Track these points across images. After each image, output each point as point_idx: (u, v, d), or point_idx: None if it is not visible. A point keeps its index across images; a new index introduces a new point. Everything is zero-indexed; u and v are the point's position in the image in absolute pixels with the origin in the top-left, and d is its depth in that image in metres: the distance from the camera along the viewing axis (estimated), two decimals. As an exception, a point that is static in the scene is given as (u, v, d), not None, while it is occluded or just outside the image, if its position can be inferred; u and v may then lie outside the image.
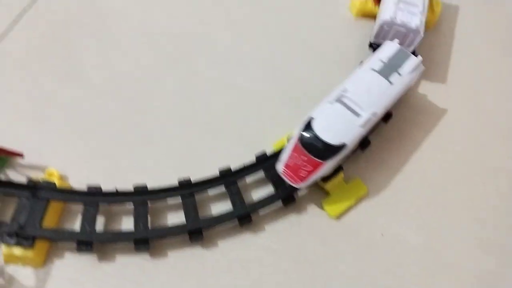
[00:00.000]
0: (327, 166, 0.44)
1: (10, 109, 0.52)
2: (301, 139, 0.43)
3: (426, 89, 0.58)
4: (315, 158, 0.43)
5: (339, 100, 0.45)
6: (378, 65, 0.49)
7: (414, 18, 0.53)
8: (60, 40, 0.57)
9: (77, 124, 0.52)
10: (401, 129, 0.54)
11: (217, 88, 0.56)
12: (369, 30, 0.61)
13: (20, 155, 0.47)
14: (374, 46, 0.56)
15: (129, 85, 0.55)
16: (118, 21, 0.60)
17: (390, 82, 0.48)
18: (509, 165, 0.53)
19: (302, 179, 0.44)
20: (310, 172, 0.43)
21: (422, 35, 0.53)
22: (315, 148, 0.43)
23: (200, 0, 0.63)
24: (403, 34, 0.54)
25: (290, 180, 0.44)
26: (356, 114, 0.45)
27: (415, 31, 0.53)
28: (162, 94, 0.55)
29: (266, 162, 0.48)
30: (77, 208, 0.45)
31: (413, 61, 0.50)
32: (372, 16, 0.62)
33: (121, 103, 0.53)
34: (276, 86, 0.56)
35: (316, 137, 0.43)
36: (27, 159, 0.48)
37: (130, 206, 0.45)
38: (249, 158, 0.48)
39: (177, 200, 0.46)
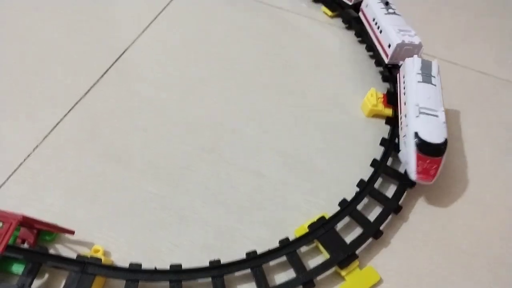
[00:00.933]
0: (444, 159, 0.58)
1: (61, 186, 0.59)
2: (420, 149, 0.57)
3: (430, 185, 0.64)
4: (435, 157, 0.57)
5: (421, 112, 0.59)
6: (419, 77, 0.63)
7: (415, 37, 0.71)
8: (109, 126, 0.66)
9: (121, 203, 0.58)
10: (410, 221, 0.60)
11: (243, 175, 0.63)
12: (380, 128, 0.70)
13: (71, 232, 0.53)
14: (389, 66, 0.74)
15: (167, 169, 0.62)
16: (157, 110, 0.69)
17: (434, 85, 0.63)
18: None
19: (434, 175, 0.57)
20: (437, 168, 0.57)
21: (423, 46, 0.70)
22: (432, 150, 0.57)
23: (228, 93, 0.73)
24: (410, 51, 0.70)
25: (425, 181, 0.57)
26: (436, 116, 0.59)
27: (419, 46, 0.70)
28: (196, 179, 0.62)
29: (288, 247, 0.54)
30: (119, 283, 0.50)
31: (435, 64, 0.66)
32: (382, 116, 0.71)
33: (160, 186, 0.60)
34: (296, 175, 0.63)
35: (428, 143, 0.57)
36: (75, 235, 0.54)
37: (166, 283, 0.50)
38: (273, 242, 0.54)
39: (208, 279, 0.51)
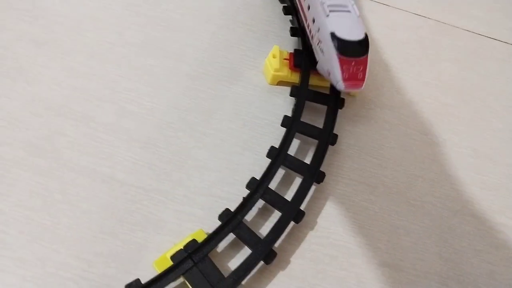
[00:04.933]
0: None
1: None
2: (340, 51, 0.46)
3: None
4: (360, 57, 0.47)
5: (330, 11, 0.48)
6: None
7: None
8: None
9: None
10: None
11: (87, 182, 0.45)
12: (285, 100, 0.53)
13: None
14: None
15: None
16: None
17: None
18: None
19: (363, 79, 0.47)
20: (364, 70, 0.47)
21: None
22: (354, 49, 0.47)
23: (76, 64, 0.52)
24: None
25: (355, 88, 0.47)
26: (348, 11, 0.49)
27: None
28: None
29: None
30: None
31: None
32: (288, 84, 0.54)
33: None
34: (164, 175, 0.46)
35: (349, 42, 0.46)
36: None
37: None
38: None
39: None
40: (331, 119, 0.50)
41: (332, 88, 0.52)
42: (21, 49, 0.51)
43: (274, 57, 0.54)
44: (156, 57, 0.54)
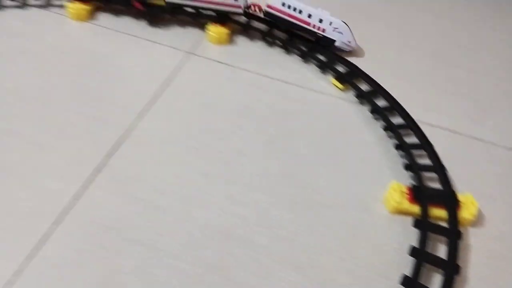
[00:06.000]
0: None
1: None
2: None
3: None
4: None
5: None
6: None
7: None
8: (100, 245, 0.58)
9: None
10: None
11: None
12: (405, 228, 0.62)
13: None
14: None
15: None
16: (154, 219, 0.61)
17: None
18: None
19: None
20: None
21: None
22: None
23: (234, 193, 0.65)
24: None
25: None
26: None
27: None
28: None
29: None
30: None
31: None
32: (409, 214, 0.63)
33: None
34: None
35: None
36: None
37: None
38: None
39: None
40: (453, 249, 0.58)
41: (450, 222, 0.60)
42: (191, 179, 0.65)
43: (394, 190, 0.64)
44: (293, 186, 0.66)
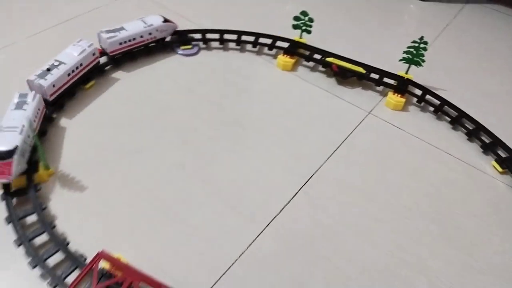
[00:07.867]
0: (15, 160, 0.75)
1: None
2: None
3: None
4: (4, 160, 0.75)
5: (1, 131, 0.79)
6: (13, 106, 0.86)
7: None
8: (294, 248, 0.78)
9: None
10: None
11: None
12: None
13: None
14: None
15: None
16: (337, 243, 0.79)
17: (24, 109, 0.84)
18: None
19: (9, 173, 0.74)
20: (9, 168, 0.75)
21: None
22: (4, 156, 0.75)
23: (401, 237, 0.80)
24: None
25: (3, 179, 0.74)
26: (15, 131, 0.79)
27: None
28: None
29: None
30: None
31: (30, 94, 0.87)
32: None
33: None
34: None
35: None
36: None
37: None
38: None
39: None
40: None
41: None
42: (363, 220, 0.82)
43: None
44: (453, 247, 0.79)
